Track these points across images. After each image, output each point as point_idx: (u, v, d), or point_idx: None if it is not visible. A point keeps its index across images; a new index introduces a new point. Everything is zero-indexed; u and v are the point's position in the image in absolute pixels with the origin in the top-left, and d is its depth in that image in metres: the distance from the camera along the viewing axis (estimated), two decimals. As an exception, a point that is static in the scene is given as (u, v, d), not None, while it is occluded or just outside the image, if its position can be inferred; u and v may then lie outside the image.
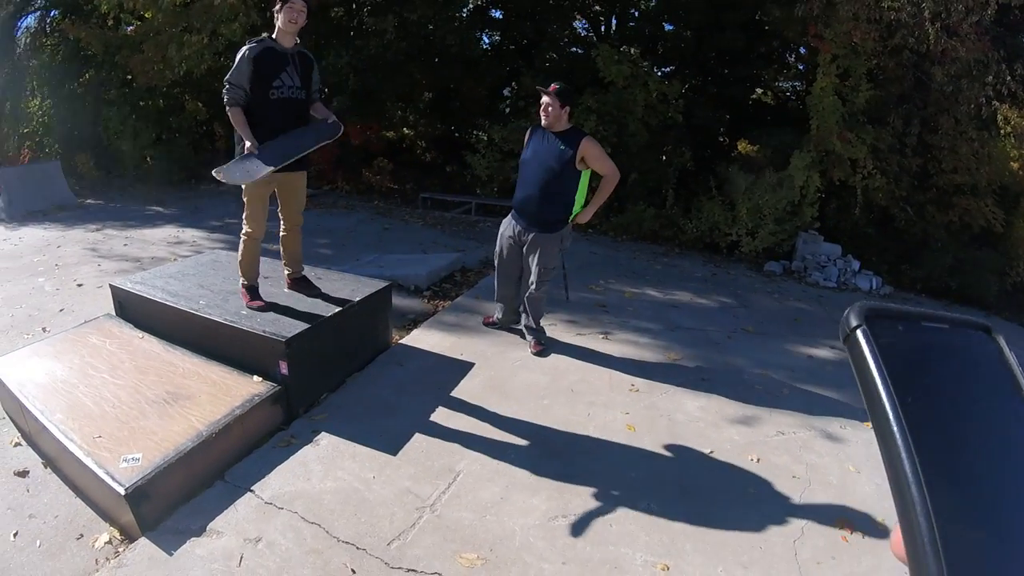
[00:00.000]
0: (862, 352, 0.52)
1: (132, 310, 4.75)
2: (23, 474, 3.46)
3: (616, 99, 10.61)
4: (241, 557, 2.80)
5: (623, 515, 3.22)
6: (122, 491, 2.87)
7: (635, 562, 2.90)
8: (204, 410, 3.55)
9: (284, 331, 3.96)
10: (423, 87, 13.62)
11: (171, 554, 2.80)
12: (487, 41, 14.99)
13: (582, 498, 3.34)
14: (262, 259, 4.60)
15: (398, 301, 5.86)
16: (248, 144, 3.93)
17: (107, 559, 2.87)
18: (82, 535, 3.04)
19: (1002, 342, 0.57)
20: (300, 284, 4.72)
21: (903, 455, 0.48)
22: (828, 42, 8.84)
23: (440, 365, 4.89)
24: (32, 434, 3.70)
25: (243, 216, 4.34)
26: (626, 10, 13.94)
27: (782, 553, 3.01)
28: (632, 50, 11.27)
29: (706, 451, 3.87)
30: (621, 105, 10.60)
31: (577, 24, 14.90)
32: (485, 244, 9.21)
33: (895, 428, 0.48)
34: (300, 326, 4.07)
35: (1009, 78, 8.39)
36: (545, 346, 5.21)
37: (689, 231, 10.04)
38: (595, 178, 4.67)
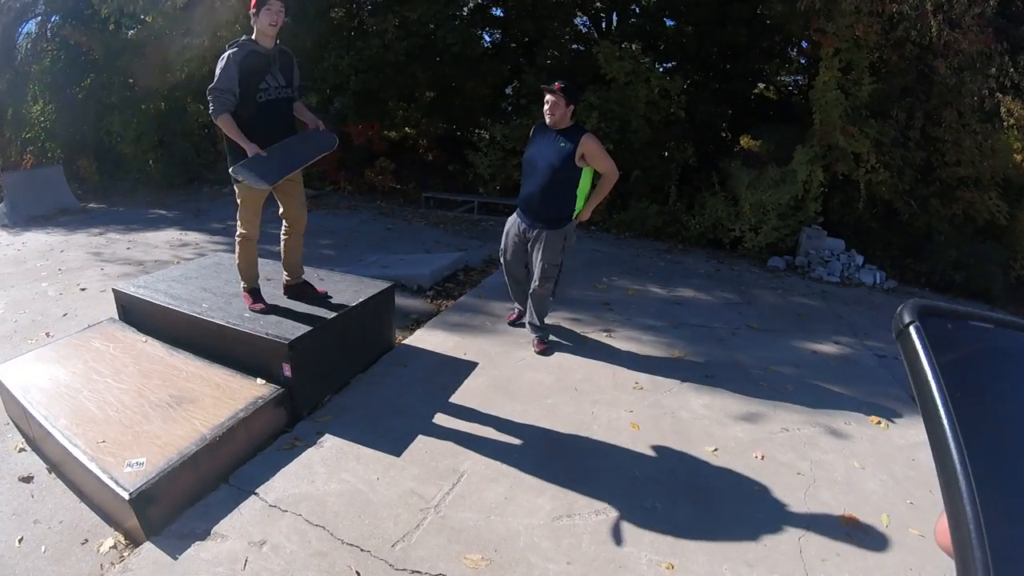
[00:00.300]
0: (915, 348, 0.53)
1: (135, 314, 4.75)
2: (28, 479, 3.47)
3: (618, 96, 10.59)
4: (246, 560, 2.79)
5: (628, 514, 3.21)
6: (126, 495, 2.87)
7: (640, 561, 2.89)
8: (208, 413, 3.55)
9: (287, 333, 3.96)
10: (425, 86, 13.58)
11: (176, 558, 2.80)
12: (488, 39, 14.93)
13: (587, 498, 3.33)
14: (266, 261, 4.60)
15: (401, 301, 5.85)
16: (250, 150, 3.88)
17: (112, 564, 2.87)
18: (87, 540, 3.04)
19: None
20: (297, 291, 4.65)
21: (953, 449, 0.48)
22: (830, 36, 8.80)
23: (444, 365, 4.89)
24: (36, 439, 3.70)
25: (237, 217, 4.33)
26: (627, 6, 13.89)
27: (787, 551, 3.00)
28: (633, 46, 11.27)
29: (711, 449, 3.86)
30: (623, 102, 10.57)
31: (578, 21, 14.86)
32: (488, 243, 9.22)
33: (945, 422, 0.49)
34: (303, 328, 4.06)
35: (1012, 70, 8.36)
36: (548, 345, 5.21)
37: (692, 227, 10.01)
38: (599, 175, 4.71)
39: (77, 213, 11.21)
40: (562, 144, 4.52)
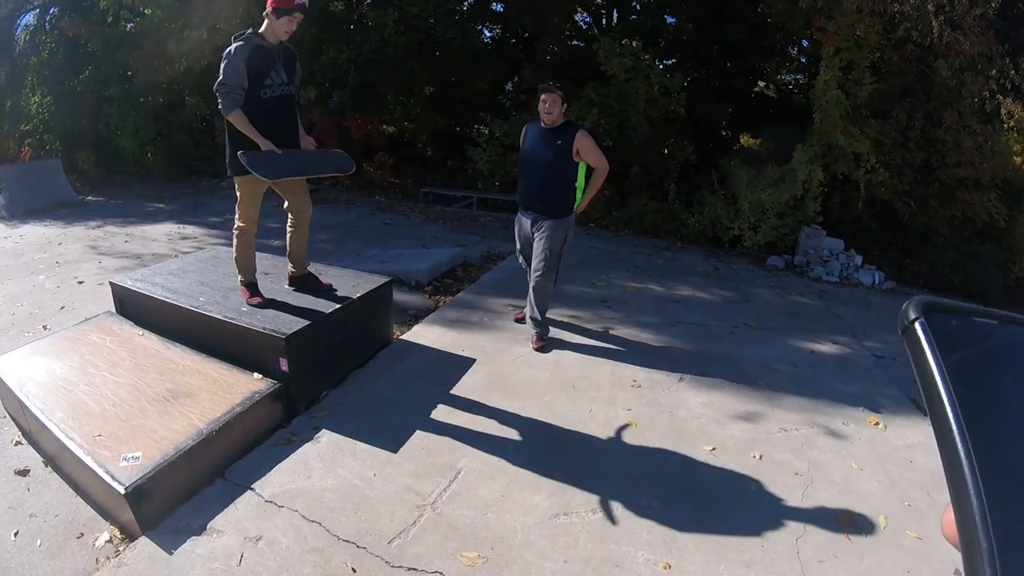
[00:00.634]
0: (920, 344, 0.54)
1: (132, 307, 4.75)
2: (24, 473, 3.47)
3: (618, 92, 10.57)
4: (241, 556, 2.79)
5: (625, 513, 3.21)
6: (122, 490, 2.86)
7: (637, 560, 2.89)
8: (204, 408, 3.54)
9: (284, 328, 3.95)
10: (424, 81, 13.56)
11: (171, 553, 2.80)
12: (488, 35, 14.87)
13: (584, 496, 3.32)
14: (265, 255, 4.58)
15: (399, 296, 5.85)
16: (264, 145, 3.90)
17: (107, 558, 2.86)
18: (82, 534, 3.04)
19: None
20: (301, 282, 4.68)
21: (959, 443, 0.49)
22: (831, 35, 8.79)
23: (441, 361, 4.88)
24: (33, 433, 3.70)
25: (236, 210, 4.31)
26: (627, 3, 13.85)
27: (784, 551, 3.00)
28: (634, 43, 11.23)
29: (708, 448, 3.85)
30: (623, 98, 10.56)
31: (578, 17, 14.82)
32: (487, 239, 9.22)
33: (951, 416, 0.50)
34: (300, 323, 4.05)
35: (1013, 72, 8.34)
36: (547, 343, 5.22)
37: (691, 225, 10.00)
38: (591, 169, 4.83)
39: (75, 206, 11.19)
40: (559, 141, 4.64)
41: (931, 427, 0.51)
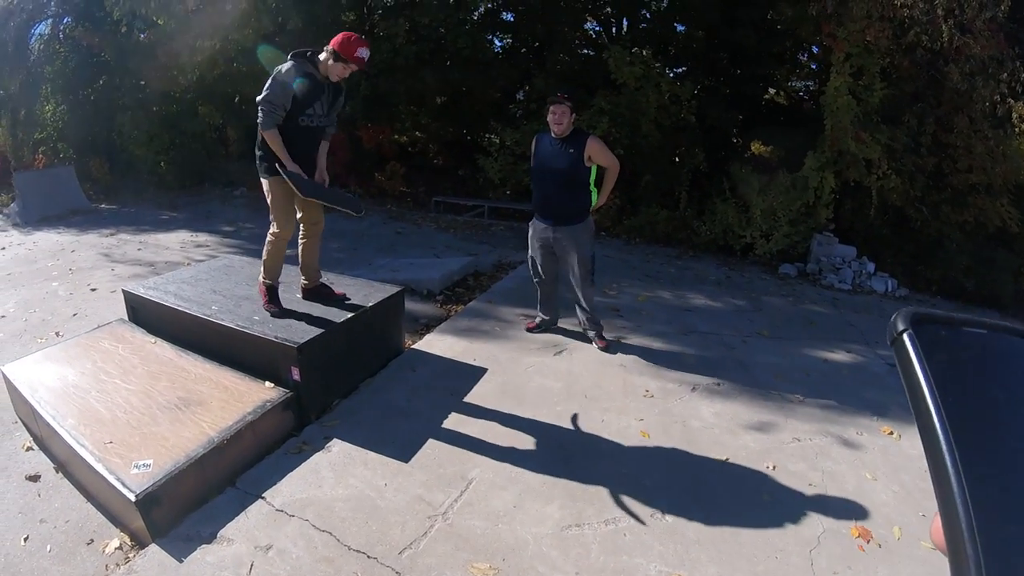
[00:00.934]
0: (908, 355, 0.54)
1: (145, 315, 4.76)
2: (35, 478, 3.48)
3: (628, 100, 10.57)
4: (252, 565, 2.78)
5: (637, 524, 3.18)
6: (133, 497, 2.86)
7: (649, 572, 2.86)
8: (216, 416, 3.54)
9: (296, 337, 3.95)
10: (434, 91, 13.60)
11: (181, 561, 2.79)
12: (498, 44, 14.96)
13: (596, 506, 3.30)
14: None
15: (411, 305, 5.85)
16: (291, 168, 3.99)
17: (117, 565, 2.86)
18: (92, 540, 3.03)
19: None
20: (314, 293, 4.68)
21: (945, 452, 0.50)
22: (841, 41, 8.75)
23: (453, 370, 4.88)
24: (44, 438, 3.71)
25: (271, 217, 4.32)
26: (637, 11, 13.88)
27: (798, 563, 2.96)
28: (644, 51, 11.22)
29: (721, 458, 3.82)
30: (633, 106, 10.56)
31: (588, 26, 14.87)
32: (498, 247, 9.22)
33: (938, 426, 0.51)
34: (312, 332, 4.05)
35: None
36: (609, 343, 5.42)
37: (703, 233, 9.97)
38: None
39: (88, 213, 11.28)
40: (571, 150, 4.75)
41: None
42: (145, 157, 13.42)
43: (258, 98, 3.91)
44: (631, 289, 7.28)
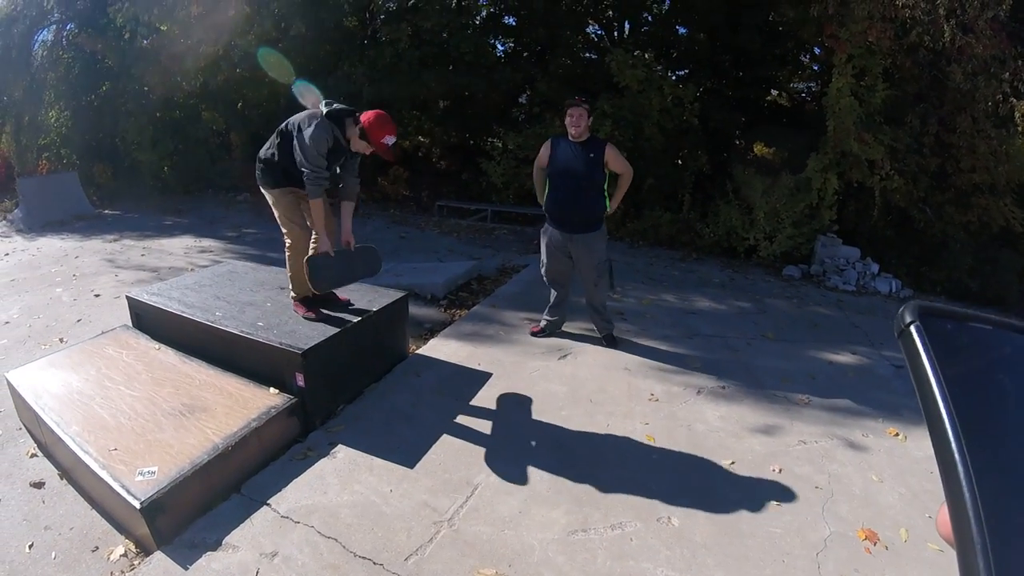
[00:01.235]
0: (915, 347, 0.55)
1: (149, 321, 4.77)
2: (39, 485, 3.48)
3: (631, 104, 10.56)
4: (257, 572, 2.77)
5: (643, 529, 3.17)
6: (137, 504, 2.85)
7: (656, 577, 2.85)
8: (220, 422, 3.54)
9: (300, 343, 3.95)
10: (437, 95, 13.62)
11: (186, 568, 2.78)
12: (501, 48, 14.95)
13: (602, 511, 3.29)
14: (279, 269, 4.60)
15: (415, 310, 5.85)
16: (324, 246, 4.20)
17: (122, 572, 2.86)
18: (97, 547, 3.03)
19: None
20: (320, 299, 4.64)
21: (952, 443, 0.50)
22: (843, 42, 8.73)
23: (457, 375, 4.87)
24: (48, 445, 3.71)
25: (282, 231, 4.40)
26: (639, 14, 13.88)
27: (805, 566, 2.95)
28: (646, 54, 11.23)
29: (727, 462, 3.81)
30: (636, 109, 10.55)
31: (590, 29, 14.86)
32: (502, 252, 9.23)
33: (945, 417, 0.51)
34: (317, 337, 4.05)
35: (1026, 74, 8.28)
36: (619, 340, 5.57)
37: (706, 236, 9.95)
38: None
39: (92, 219, 11.31)
40: (591, 155, 4.83)
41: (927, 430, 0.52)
42: (149, 162, 13.46)
43: (299, 159, 3.97)
44: (635, 292, 7.27)
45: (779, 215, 9.14)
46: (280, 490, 3.35)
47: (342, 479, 3.47)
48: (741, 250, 9.65)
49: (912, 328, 0.56)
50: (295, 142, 3.99)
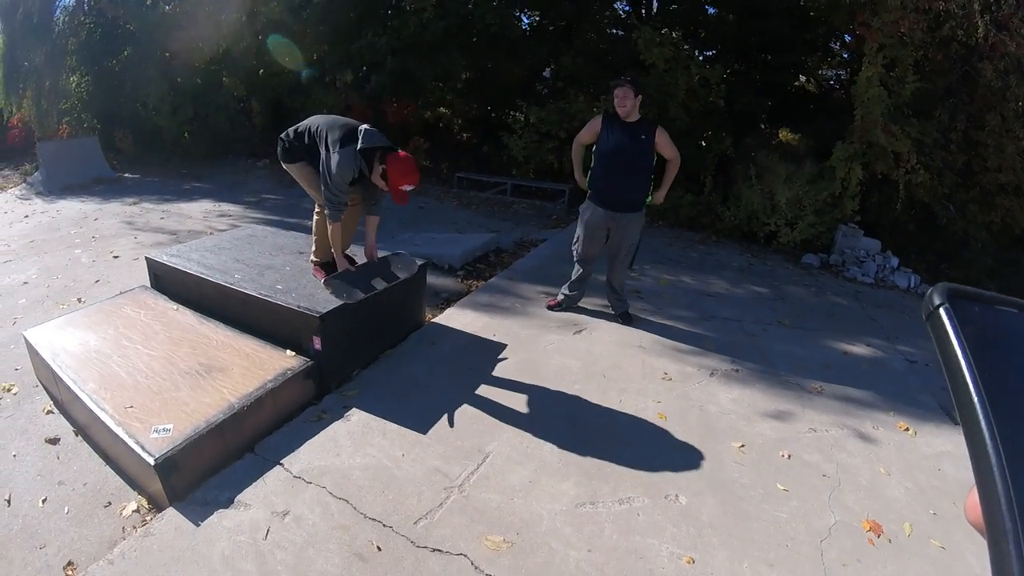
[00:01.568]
0: (945, 329, 0.54)
1: (167, 282, 4.80)
2: (54, 441, 3.54)
3: (657, 82, 10.44)
4: (268, 530, 2.81)
5: (651, 505, 3.18)
6: (152, 461, 2.89)
7: (661, 553, 2.86)
8: (236, 383, 3.57)
9: (319, 306, 3.97)
10: (461, 67, 13.53)
11: (198, 524, 2.83)
12: (526, 21, 14.76)
13: (611, 485, 3.30)
14: (299, 234, 4.61)
15: (432, 280, 5.88)
16: (341, 265, 4.35)
17: (134, 527, 2.91)
18: (110, 503, 3.09)
19: None
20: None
21: (983, 425, 0.49)
22: (875, 31, 8.57)
23: (472, 345, 4.89)
24: (64, 403, 3.76)
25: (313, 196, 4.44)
26: (667, -8, 13.71)
27: (808, 553, 2.95)
28: (674, 33, 11.07)
29: (737, 445, 3.81)
30: (662, 88, 10.43)
31: (618, 5, 14.62)
32: (520, 225, 9.22)
33: (976, 399, 0.50)
34: (335, 302, 4.06)
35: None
36: (633, 319, 5.61)
37: (727, 219, 9.86)
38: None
39: (112, 182, 11.38)
40: (643, 136, 4.82)
41: (961, 435, 0.51)
42: (169, 128, 13.49)
43: (325, 187, 4.00)
44: (652, 272, 7.24)
45: (801, 202, 9.04)
46: (293, 451, 3.39)
47: (355, 442, 3.50)
48: (761, 235, 9.56)
49: (941, 310, 0.55)
50: (321, 161, 4.00)
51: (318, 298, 4.10)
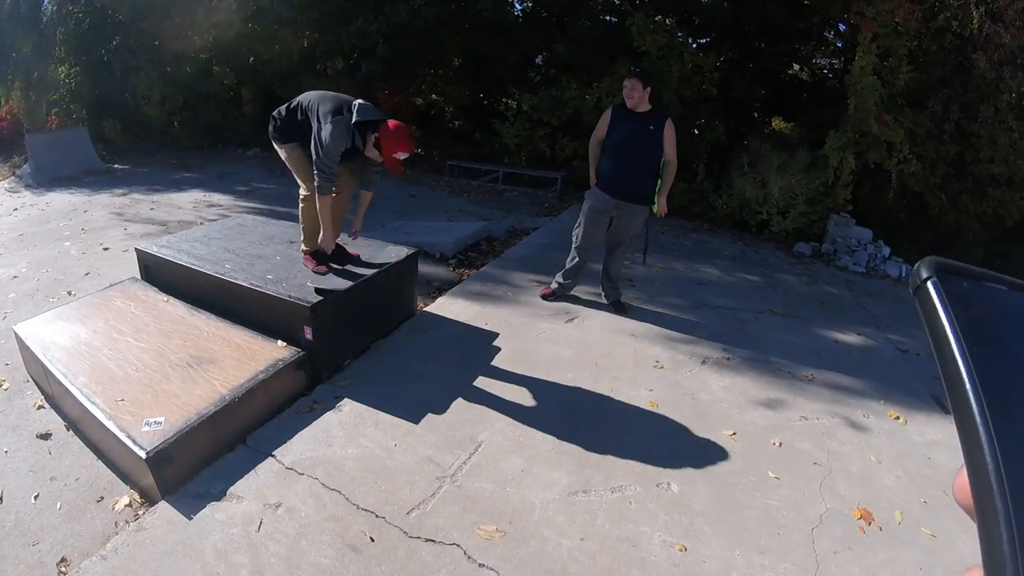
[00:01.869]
0: (932, 303, 0.53)
1: (157, 274, 4.77)
2: (46, 436, 3.52)
3: (650, 69, 10.37)
4: (261, 522, 2.80)
5: (643, 493, 3.19)
6: (143, 455, 2.87)
7: (653, 541, 2.87)
8: (228, 374, 3.55)
9: (310, 296, 3.95)
10: (453, 53, 13.45)
11: (191, 518, 2.81)
12: (519, 7, 14.64)
13: (603, 474, 3.31)
14: (291, 223, 4.59)
15: (423, 268, 5.86)
16: (328, 243, 4.26)
17: (127, 522, 2.89)
18: (102, 498, 3.07)
19: None
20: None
21: (972, 401, 0.48)
22: (870, 20, 8.55)
23: (465, 334, 4.89)
24: (55, 397, 3.74)
25: (299, 181, 4.35)
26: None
27: (800, 540, 2.97)
28: (668, 20, 11.03)
29: (729, 433, 3.82)
30: (655, 76, 10.31)
31: (612, -9, 14.56)
32: (512, 213, 9.22)
33: (965, 375, 0.49)
34: (326, 292, 4.04)
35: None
36: (626, 308, 5.60)
37: (719, 208, 9.87)
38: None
39: (101, 174, 11.29)
40: (651, 128, 4.82)
41: (952, 424, 0.49)
42: (158, 118, 13.43)
43: (316, 158, 3.93)
44: (641, 258, 7.23)
45: (793, 191, 9.06)
46: (285, 442, 3.38)
47: (347, 433, 3.50)
48: (753, 224, 9.58)
49: (929, 284, 0.53)
50: (313, 134, 3.95)
51: (309, 288, 4.08)
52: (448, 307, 5.36)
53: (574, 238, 5.38)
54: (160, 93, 13.17)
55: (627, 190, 4.96)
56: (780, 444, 3.75)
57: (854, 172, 9.03)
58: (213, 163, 12.39)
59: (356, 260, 4.63)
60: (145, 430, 3.04)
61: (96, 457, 3.36)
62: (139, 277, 4.90)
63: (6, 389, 3.99)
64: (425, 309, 5.30)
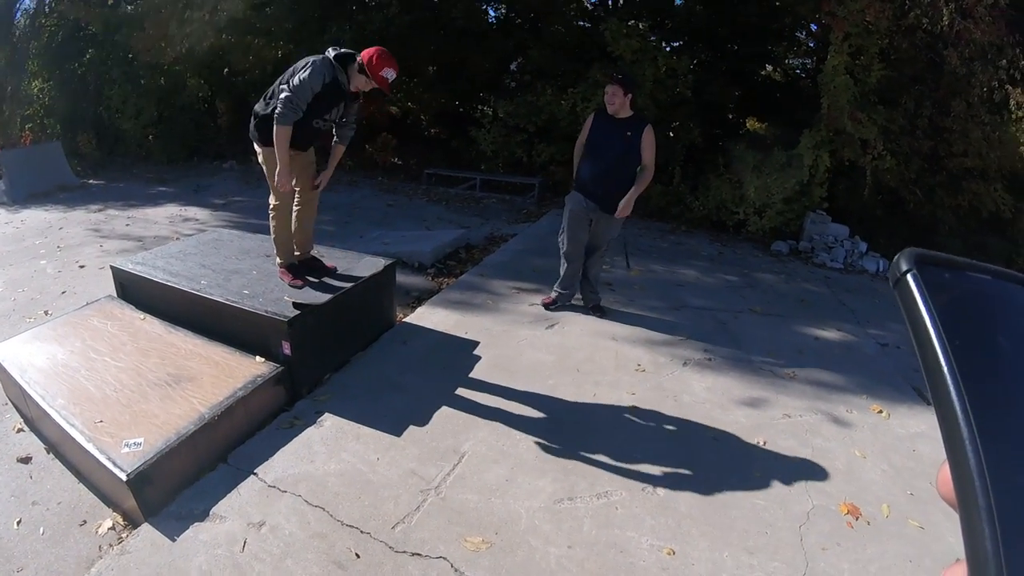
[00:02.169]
0: (912, 295, 0.52)
1: (134, 291, 4.72)
2: (26, 460, 3.46)
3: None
4: (244, 542, 2.77)
5: (629, 498, 3.19)
6: (124, 476, 2.84)
7: (641, 546, 2.87)
8: (206, 392, 3.52)
9: (287, 311, 3.92)
10: (428, 61, 13.43)
11: (174, 540, 2.78)
12: (493, 14, 14.68)
13: (588, 480, 3.31)
14: (266, 237, 4.56)
15: (402, 278, 5.83)
16: (283, 174, 3.96)
17: (110, 545, 2.86)
18: (85, 521, 3.03)
19: None
20: (305, 266, 4.61)
21: (952, 393, 0.48)
22: (841, 19, 8.63)
23: (445, 344, 4.88)
24: (35, 420, 3.68)
25: (271, 189, 4.25)
26: (634, -18, 13.68)
27: (788, 538, 2.99)
28: (641, 24, 11.09)
29: (713, 433, 3.84)
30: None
31: (584, -4, 14.63)
32: (490, 220, 9.21)
33: (945, 368, 0.49)
34: (303, 305, 4.02)
35: (1023, 62, 8.24)
36: (605, 311, 5.59)
37: (696, 209, 9.92)
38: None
39: (76, 189, 11.16)
40: (629, 133, 4.80)
41: (934, 414, 0.49)
42: (133, 131, 13.31)
43: (282, 94, 3.81)
44: (623, 263, 7.25)
45: (770, 190, 9.11)
46: (267, 459, 3.35)
47: (329, 448, 3.47)
48: (730, 224, 9.64)
49: (909, 276, 0.53)
50: (287, 81, 3.86)
51: (286, 302, 4.06)
52: (428, 317, 5.35)
53: (560, 244, 5.37)
54: (134, 106, 13.06)
55: (603, 195, 4.96)
56: (764, 443, 3.77)
57: (829, 170, 9.10)
58: (189, 176, 12.29)
59: (333, 272, 4.61)
60: (125, 451, 3.00)
61: (77, 480, 3.31)
62: (115, 295, 4.84)
63: (-17, 412, 3.92)
64: (404, 320, 5.28)
